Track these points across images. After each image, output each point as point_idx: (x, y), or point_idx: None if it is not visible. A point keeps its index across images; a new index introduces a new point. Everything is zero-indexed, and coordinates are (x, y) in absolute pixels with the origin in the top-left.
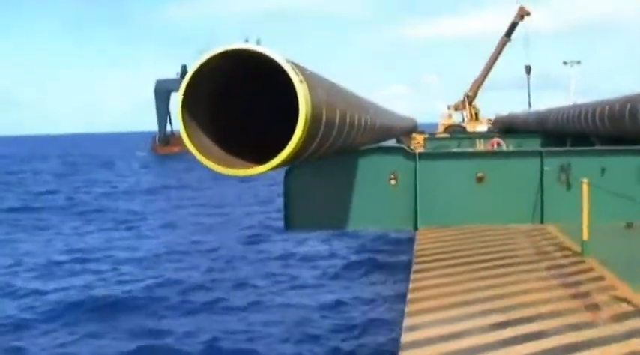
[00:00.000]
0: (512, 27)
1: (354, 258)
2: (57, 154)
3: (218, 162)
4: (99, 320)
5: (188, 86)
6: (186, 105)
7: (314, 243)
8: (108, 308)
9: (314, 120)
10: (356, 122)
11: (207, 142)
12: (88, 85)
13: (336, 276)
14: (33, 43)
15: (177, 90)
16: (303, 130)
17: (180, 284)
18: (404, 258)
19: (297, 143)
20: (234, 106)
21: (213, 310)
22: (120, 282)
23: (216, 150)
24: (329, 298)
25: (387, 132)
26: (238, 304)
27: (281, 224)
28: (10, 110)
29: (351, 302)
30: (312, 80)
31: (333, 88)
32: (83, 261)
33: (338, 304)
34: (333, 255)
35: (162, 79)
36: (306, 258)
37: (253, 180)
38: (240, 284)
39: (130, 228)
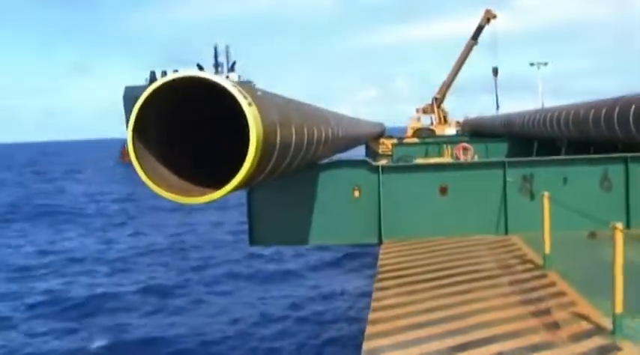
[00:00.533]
0: (479, 30)
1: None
2: (23, 163)
3: (173, 190)
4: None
5: (138, 116)
6: (137, 134)
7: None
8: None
9: (267, 141)
10: (315, 137)
11: (162, 170)
12: (56, 91)
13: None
14: None
15: None
16: (256, 153)
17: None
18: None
19: (251, 166)
20: (187, 133)
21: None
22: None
23: (171, 177)
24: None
25: (353, 141)
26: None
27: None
28: None
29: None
30: (263, 101)
31: (287, 106)
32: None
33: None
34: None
35: (131, 86)
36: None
37: None
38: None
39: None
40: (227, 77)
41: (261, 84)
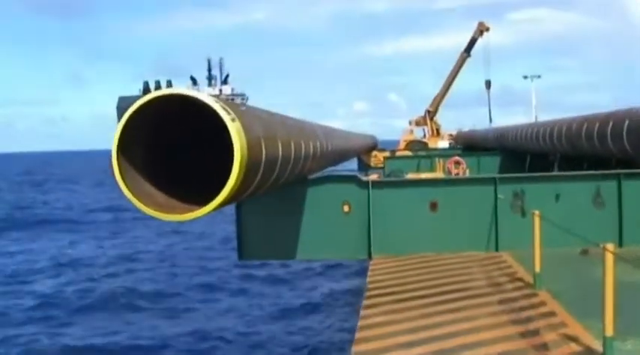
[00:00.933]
0: (472, 42)
1: None
2: (20, 172)
3: (156, 207)
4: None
5: (122, 134)
6: (121, 151)
7: None
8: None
9: (252, 156)
10: (303, 151)
11: (145, 187)
12: (52, 102)
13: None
14: None
15: None
16: (240, 169)
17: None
18: None
19: (236, 182)
20: (172, 149)
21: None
22: None
23: (155, 194)
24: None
25: (344, 154)
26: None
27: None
28: None
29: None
30: (247, 116)
31: (272, 121)
32: None
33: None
34: None
35: (124, 96)
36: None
37: None
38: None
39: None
40: (220, 90)
41: (254, 96)
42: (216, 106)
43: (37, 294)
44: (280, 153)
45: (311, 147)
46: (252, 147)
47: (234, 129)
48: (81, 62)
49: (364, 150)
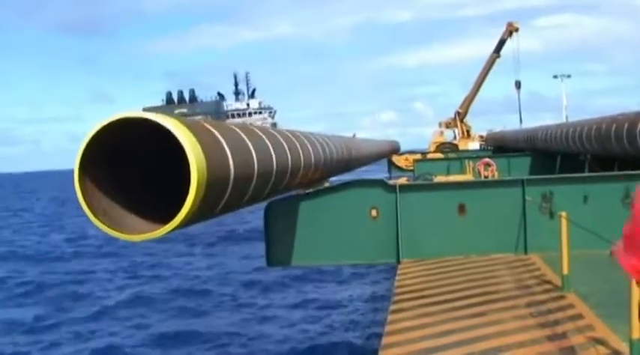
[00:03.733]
0: (501, 43)
1: None
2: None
3: (121, 227)
4: None
5: (84, 155)
6: (84, 169)
7: None
8: None
9: (214, 173)
10: (291, 163)
11: (110, 206)
12: (76, 120)
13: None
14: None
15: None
16: (198, 189)
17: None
18: None
19: (193, 203)
20: (137, 166)
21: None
22: None
23: (120, 212)
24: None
25: (358, 161)
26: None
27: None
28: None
29: None
30: (208, 133)
31: (245, 136)
32: None
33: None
34: None
35: (149, 107)
36: None
37: None
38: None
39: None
40: (248, 104)
41: (282, 109)
42: (168, 124)
43: None
44: (256, 168)
45: (302, 158)
46: (214, 166)
47: (191, 147)
48: (104, 80)
49: (383, 155)
